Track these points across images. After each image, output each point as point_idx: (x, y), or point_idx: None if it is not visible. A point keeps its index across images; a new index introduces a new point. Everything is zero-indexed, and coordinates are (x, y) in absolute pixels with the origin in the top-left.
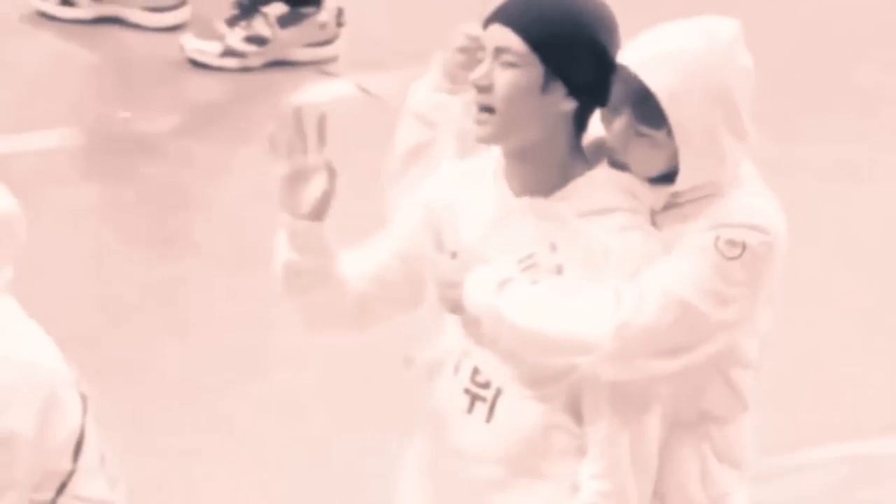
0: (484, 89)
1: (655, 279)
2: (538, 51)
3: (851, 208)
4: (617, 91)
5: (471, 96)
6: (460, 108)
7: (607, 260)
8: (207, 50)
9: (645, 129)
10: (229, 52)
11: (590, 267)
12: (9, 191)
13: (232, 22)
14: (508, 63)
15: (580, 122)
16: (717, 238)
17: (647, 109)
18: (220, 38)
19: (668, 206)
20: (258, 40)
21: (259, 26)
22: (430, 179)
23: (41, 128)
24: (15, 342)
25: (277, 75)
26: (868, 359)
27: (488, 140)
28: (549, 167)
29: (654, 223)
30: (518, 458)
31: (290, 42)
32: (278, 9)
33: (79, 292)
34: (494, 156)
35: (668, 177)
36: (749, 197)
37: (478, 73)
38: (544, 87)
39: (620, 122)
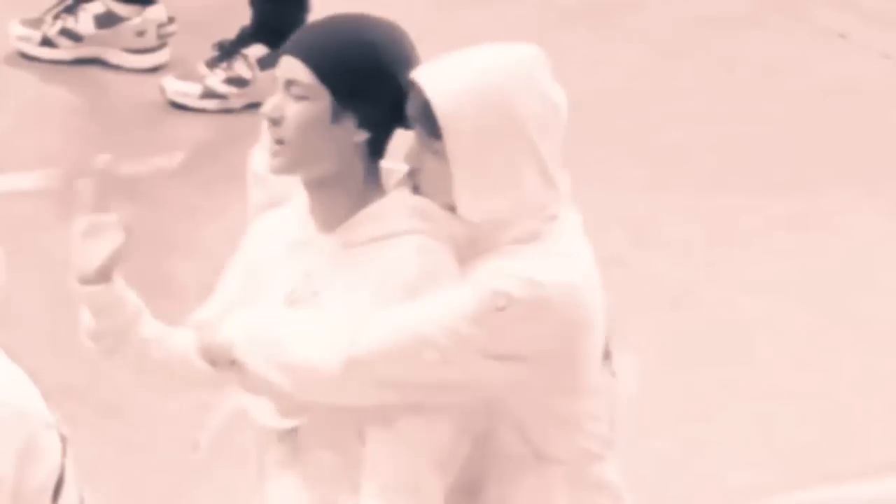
0: (275, 122)
1: (405, 312)
2: (326, 83)
3: None
4: (411, 109)
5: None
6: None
7: (370, 287)
8: (188, 91)
9: (431, 142)
10: (209, 94)
11: (350, 293)
12: None
13: (212, 64)
14: (298, 95)
15: (375, 150)
16: (486, 285)
17: (429, 119)
18: (201, 79)
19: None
20: (238, 82)
21: (239, 68)
22: (246, 238)
23: (20, 169)
24: (11, 392)
25: (257, 117)
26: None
27: (281, 171)
28: (345, 198)
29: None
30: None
31: (271, 84)
32: (258, 50)
33: (56, 336)
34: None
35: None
36: (546, 250)
37: (268, 106)
38: (334, 119)
39: (414, 139)
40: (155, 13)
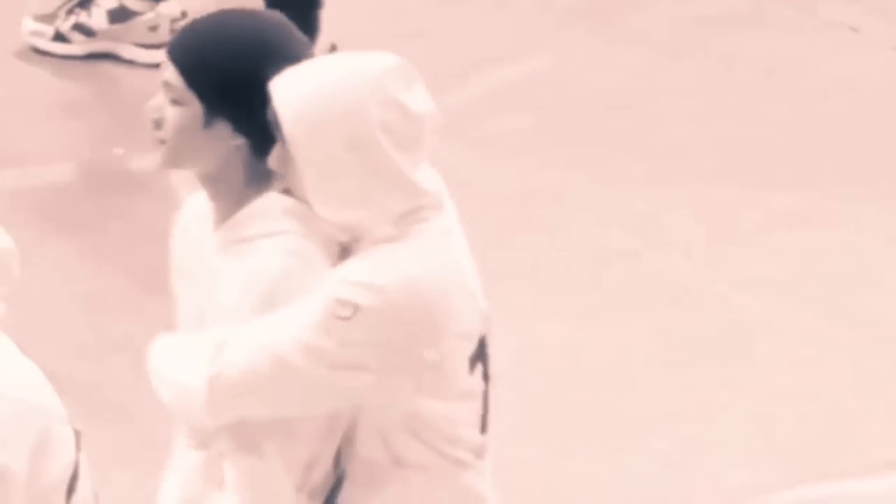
0: (156, 123)
1: (265, 328)
2: (194, 90)
3: None
4: (271, 115)
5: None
6: None
7: (235, 309)
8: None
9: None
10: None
11: (221, 319)
12: (2, 228)
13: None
14: (172, 99)
15: (258, 152)
16: (332, 295)
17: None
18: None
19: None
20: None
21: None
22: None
23: (34, 164)
24: (9, 378)
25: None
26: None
27: (163, 167)
28: (228, 197)
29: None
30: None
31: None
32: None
33: (71, 330)
34: None
35: None
36: (397, 252)
37: (149, 107)
38: (206, 124)
39: (275, 149)
40: (168, 8)
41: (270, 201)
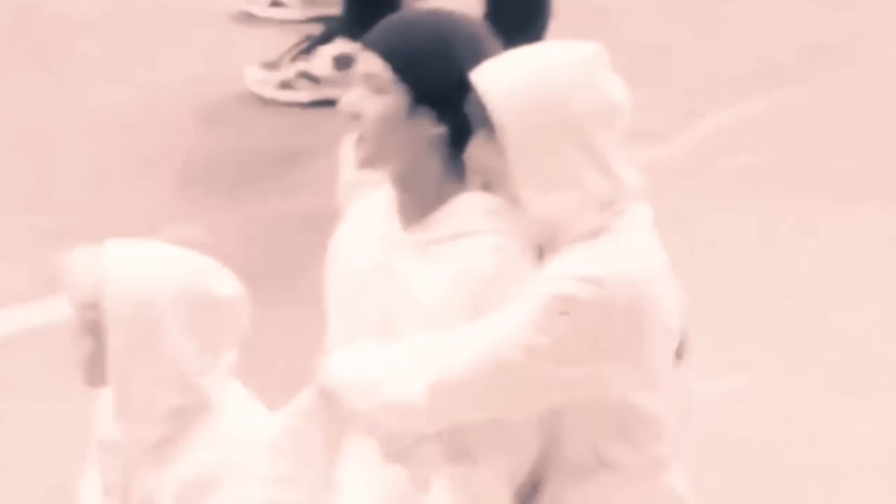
0: (353, 117)
1: (479, 332)
2: (402, 76)
3: None
4: (473, 108)
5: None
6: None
7: (441, 309)
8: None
9: (495, 142)
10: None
11: (426, 318)
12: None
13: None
14: (375, 89)
15: (454, 145)
16: (548, 291)
17: (484, 113)
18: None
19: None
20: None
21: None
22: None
23: (255, 208)
24: (250, 429)
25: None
26: None
27: (363, 165)
28: (424, 193)
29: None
30: None
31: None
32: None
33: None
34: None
35: None
36: (607, 245)
37: (346, 100)
38: (410, 113)
39: (475, 141)
40: None
41: (472, 198)
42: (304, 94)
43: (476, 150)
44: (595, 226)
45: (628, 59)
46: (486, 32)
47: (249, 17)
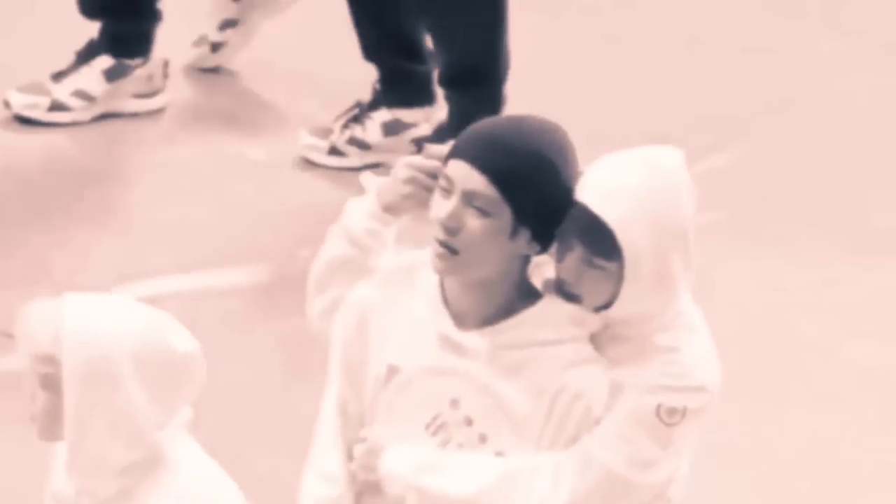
0: (451, 231)
1: (592, 450)
2: (510, 201)
3: None
4: (573, 227)
5: (426, 232)
6: (392, 240)
7: (529, 423)
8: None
9: (599, 262)
10: (56, 107)
11: (509, 427)
12: (190, 332)
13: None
14: (479, 210)
15: (538, 253)
16: (660, 406)
17: (599, 241)
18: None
19: (611, 336)
20: (85, 95)
21: (87, 81)
22: (362, 296)
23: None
24: (198, 483)
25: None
26: None
27: (445, 274)
28: (497, 298)
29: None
30: None
31: (118, 95)
32: (104, 62)
33: (262, 429)
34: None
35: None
36: (696, 348)
37: (445, 214)
38: (513, 235)
39: (573, 256)
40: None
41: (555, 307)
42: (354, 159)
43: (568, 271)
44: (668, 321)
45: (588, 118)
46: (570, 142)
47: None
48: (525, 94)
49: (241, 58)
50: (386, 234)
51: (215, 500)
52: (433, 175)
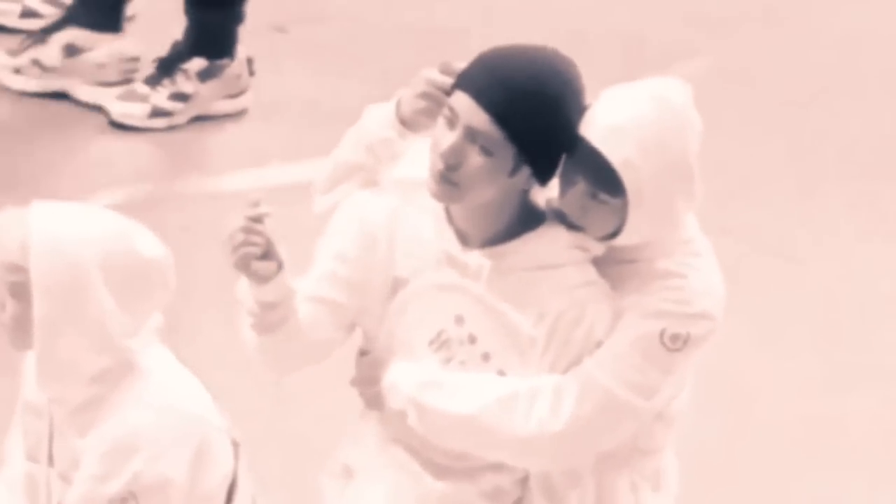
0: (451, 166)
1: (594, 374)
2: (514, 141)
3: None
4: (578, 163)
5: (427, 153)
6: (404, 154)
7: (532, 344)
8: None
9: (603, 197)
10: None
11: (513, 347)
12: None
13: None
14: (482, 148)
15: (539, 183)
16: (664, 331)
17: (603, 177)
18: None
19: (614, 259)
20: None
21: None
22: (368, 203)
23: None
24: (169, 390)
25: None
26: None
27: (441, 201)
28: (498, 220)
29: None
30: None
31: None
32: (197, 64)
33: (221, 340)
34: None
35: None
36: (701, 275)
37: (447, 148)
38: (513, 172)
39: (577, 191)
40: (121, 46)
41: (557, 233)
42: (33, 83)
43: (572, 205)
44: (668, 257)
45: (567, 16)
46: (579, 74)
47: None
48: None
49: None
50: (400, 146)
51: (187, 407)
52: (448, 92)
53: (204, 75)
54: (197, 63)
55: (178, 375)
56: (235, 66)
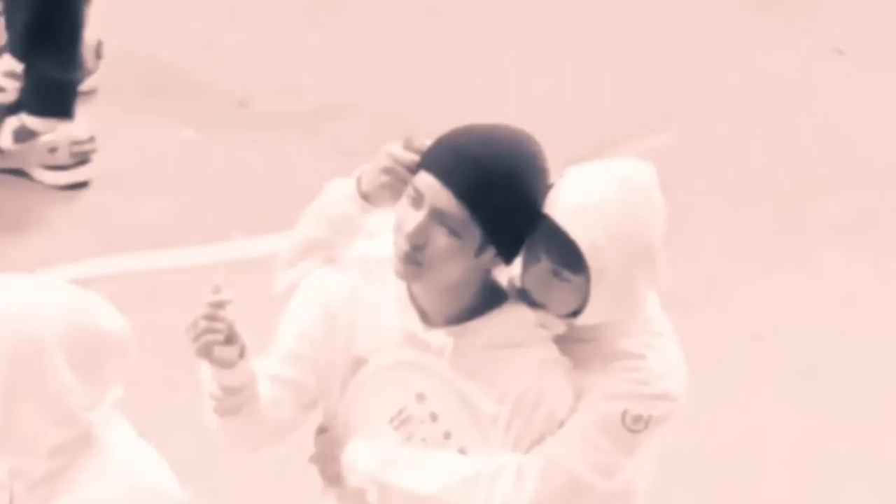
0: (417, 247)
1: (556, 454)
2: (479, 222)
3: None
4: (541, 241)
5: (392, 234)
6: (365, 230)
7: (495, 422)
8: None
9: (565, 275)
10: None
11: (475, 425)
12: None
13: None
14: (448, 229)
15: (504, 262)
16: (625, 413)
17: (567, 256)
18: None
19: (575, 338)
20: None
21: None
22: (328, 282)
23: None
24: (130, 465)
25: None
26: None
27: (406, 280)
28: (461, 300)
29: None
30: None
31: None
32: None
33: (180, 413)
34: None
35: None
36: (662, 355)
37: (413, 230)
38: (479, 252)
39: (539, 268)
40: (68, 130)
41: (520, 312)
42: None
43: (534, 281)
44: (629, 337)
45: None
46: (541, 153)
47: None
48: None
49: None
50: (362, 222)
51: (148, 481)
52: (412, 168)
53: (21, 136)
54: (18, 120)
55: (138, 449)
56: (63, 134)
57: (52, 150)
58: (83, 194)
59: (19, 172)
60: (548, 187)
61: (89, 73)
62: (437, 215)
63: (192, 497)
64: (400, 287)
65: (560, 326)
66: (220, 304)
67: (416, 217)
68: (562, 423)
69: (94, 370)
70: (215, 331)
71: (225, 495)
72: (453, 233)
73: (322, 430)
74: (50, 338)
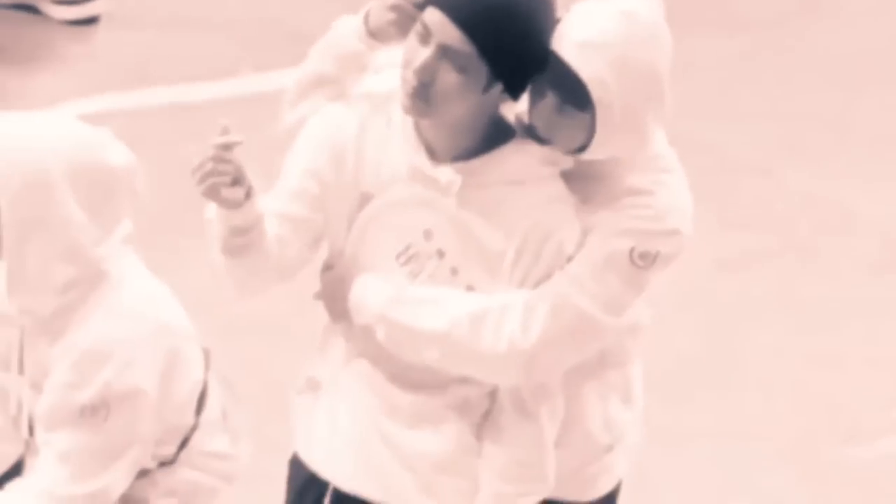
0: (424, 83)
1: (564, 291)
2: (487, 58)
3: None
4: (549, 77)
5: (397, 69)
6: (372, 68)
7: (502, 259)
8: None
9: (572, 111)
10: None
11: (482, 262)
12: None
13: None
14: (455, 65)
15: (511, 98)
16: (633, 249)
17: (573, 91)
18: None
19: (583, 174)
20: None
21: None
22: (336, 117)
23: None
24: (140, 299)
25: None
26: None
27: (413, 116)
28: (469, 135)
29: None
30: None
31: None
32: None
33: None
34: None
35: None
36: (670, 191)
37: (421, 66)
38: (486, 88)
39: (546, 104)
40: None
41: (526, 147)
42: None
43: (541, 119)
44: (637, 173)
45: None
46: None
47: None
48: None
49: None
50: (369, 58)
51: (158, 316)
52: (419, 4)
53: None
54: None
55: (148, 284)
56: None
57: None
58: (95, 30)
59: (29, 8)
60: (555, 23)
61: None
62: (444, 51)
63: (202, 334)
64: (407, 122)
65: (567, 162)
66: (227, 146)
67: (424, 53)
68: (570, 259)
69: (101, 205)
70: (222, 173)
71: (235, 333)
72: (461, 69)
73: (328, 268)
74: (56, 172)
